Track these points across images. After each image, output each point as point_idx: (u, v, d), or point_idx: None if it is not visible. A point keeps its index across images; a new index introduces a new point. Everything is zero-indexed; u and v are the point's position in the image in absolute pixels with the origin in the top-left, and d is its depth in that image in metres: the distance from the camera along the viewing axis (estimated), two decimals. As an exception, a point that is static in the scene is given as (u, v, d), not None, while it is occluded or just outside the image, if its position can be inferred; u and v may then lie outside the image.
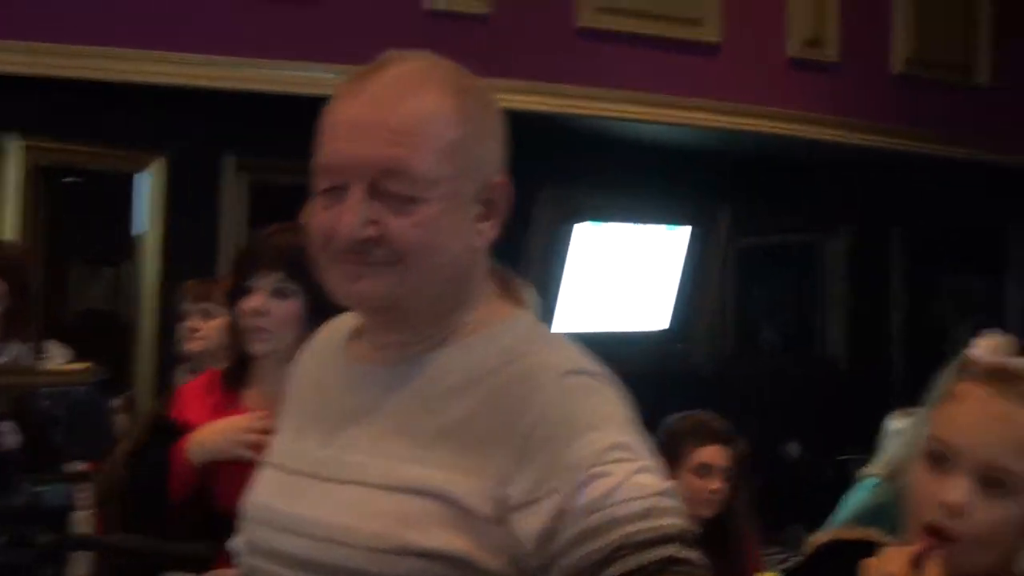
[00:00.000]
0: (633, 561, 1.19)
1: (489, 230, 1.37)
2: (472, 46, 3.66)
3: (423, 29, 3.94)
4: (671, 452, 3.06)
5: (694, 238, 4.99)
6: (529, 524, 1.23)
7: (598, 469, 1.23)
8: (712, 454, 3.15)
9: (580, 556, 1.21)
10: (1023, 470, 1.50)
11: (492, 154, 1.37)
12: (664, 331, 5.01)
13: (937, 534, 1.48)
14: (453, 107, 1.32)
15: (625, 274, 4.84)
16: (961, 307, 5.27)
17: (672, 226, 4.98)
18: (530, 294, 2.22)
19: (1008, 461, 1.50)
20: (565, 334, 1.47)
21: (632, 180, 4.70)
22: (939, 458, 1.52)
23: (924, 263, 5.43)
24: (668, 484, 1.27)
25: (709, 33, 4.37)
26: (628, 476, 1.24)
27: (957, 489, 1.49)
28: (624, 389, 1.59)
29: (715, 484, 3.10)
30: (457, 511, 1.27)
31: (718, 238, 5.08)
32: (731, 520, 3.14)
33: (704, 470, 3.14)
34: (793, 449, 4.99)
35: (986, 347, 1.57)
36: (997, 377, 1.54)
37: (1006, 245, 5.40)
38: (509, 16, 3.98)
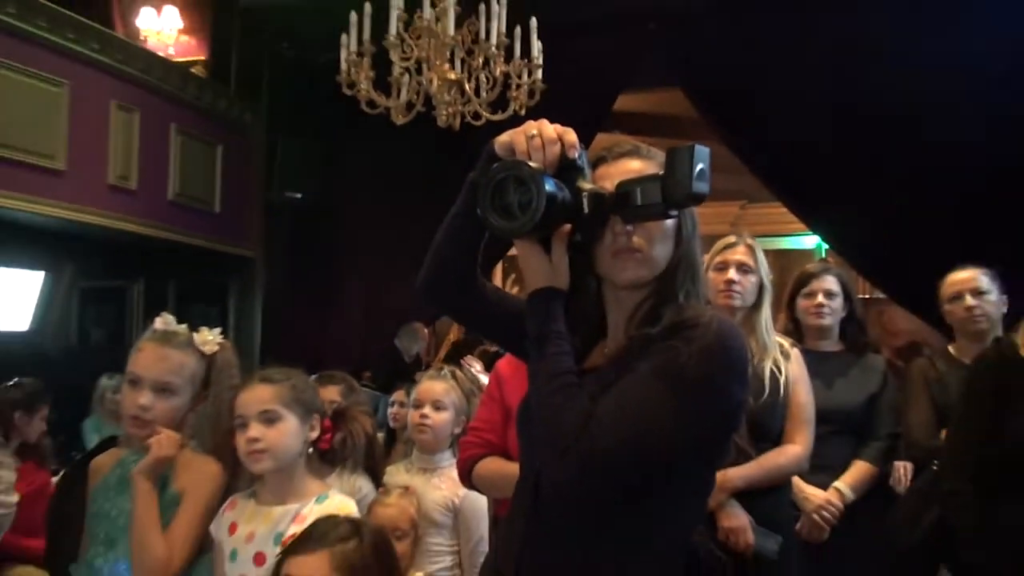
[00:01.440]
0: None
1: None
2: None
3: None
4: None
5: (47, 280, 4.63)
6: None
7: None
8: None
9: None
10: (178, 381, 1.59)
11: None
12: (27, 331, 4.58)
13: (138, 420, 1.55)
14: None
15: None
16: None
17: (30, 270, 4.58)
18: None
19: (169, 377, 1.59)
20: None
21: (7, 242, 4.21)
22: (133, 381, 1.59)
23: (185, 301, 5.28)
24: None
25: (58, 163, 4.10)
26: None
27: (143, 396, 1.58)
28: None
29: None
30: None
31: (63, 279, 4.74)
32: None
33: None
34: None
35: (160, 321, 1.67)
36: (160, 336, 1.64)
37: (226, 293, 5.37)
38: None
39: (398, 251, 5.07)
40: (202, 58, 5.33)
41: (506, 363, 1.88)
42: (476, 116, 4.04)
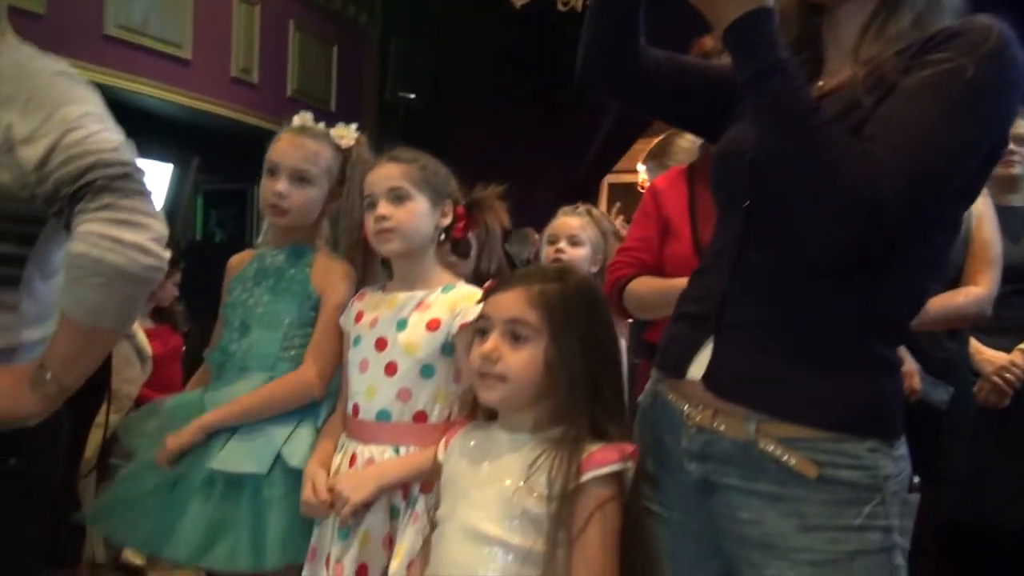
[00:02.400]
0: (102, 172, 1.07)
1: None
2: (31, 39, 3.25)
3: None
4: None
5: (174, 173, 4.75)
6: (29, 153, 1.07)
7: (77, 123, 1.08)
8: None
9: (67, 171, 1.06)
10: (313, 171, 1.52)
11: None
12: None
13: None
14: None
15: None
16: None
17: (161, 162, 4.68)
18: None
19: (305, 166, 1.51)
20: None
21: (138, 132, 4.30)
22: (271, 169, 1.52)
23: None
24: (125, 139, 1.12)
25: (185, 52, 4.16)
26: (99, 131, 1.10)
27: (280, 183, 1.50)
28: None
29: None
30: None
31: (189, 174, 4.86)
32: None
33: None
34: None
35: (298, 118, 1.59)
36: (297, 128, 1.56)
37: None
38: (59, 18, 3.52)
39: (511, 153, 4.94)
40: (317, -42, 5.30)
41: (663, 178, 1.72)
42: None
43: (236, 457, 1.36)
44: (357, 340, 1.40)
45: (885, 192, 0.80)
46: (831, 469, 0.87)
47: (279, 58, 4.75)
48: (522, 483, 0.99)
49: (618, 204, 8.61)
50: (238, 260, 1.64)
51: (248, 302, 1.53)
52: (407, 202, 1.36)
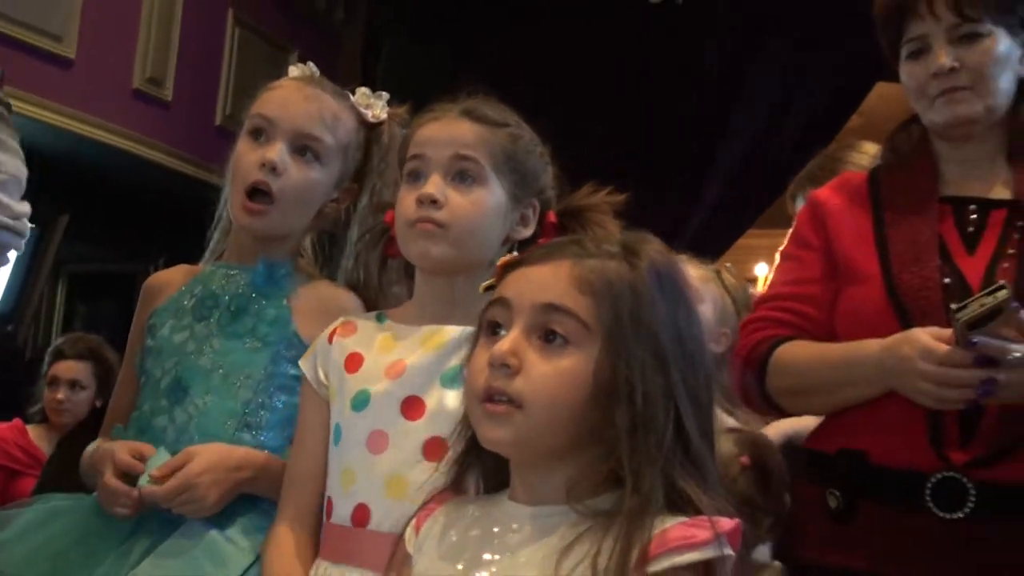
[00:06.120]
0: None
1: None
2: None
3: None
4: None
5: (29, 239, 4.80)
6: None
7: None
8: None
9: None
10: (328, 140, 1.56)
11: None
12: (-4, 314, 4.72)
13: None
14: None
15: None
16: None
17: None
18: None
19: (317, 130, 1.55)
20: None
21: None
22: (258, 130, 1.57)
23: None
24: None
25: (67, 48, 4.30)
26: None
27: (273, 150, 1.55)
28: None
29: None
30: None
31: (51, 242, 4.91)
32: None
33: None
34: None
35: (295, 69, 1.67)
36: (305, 78, 1.64)
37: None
38: None
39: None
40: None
41: (828, 188, 1.76)
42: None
43: None
44: (362, 402, 1.35)
45: None
46: None
47: (208, 66, 4.94)
48: None
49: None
50: (165, 279, 1.66)
51: (186, 348, 1.53)
52: (476, 187, 1.35)
